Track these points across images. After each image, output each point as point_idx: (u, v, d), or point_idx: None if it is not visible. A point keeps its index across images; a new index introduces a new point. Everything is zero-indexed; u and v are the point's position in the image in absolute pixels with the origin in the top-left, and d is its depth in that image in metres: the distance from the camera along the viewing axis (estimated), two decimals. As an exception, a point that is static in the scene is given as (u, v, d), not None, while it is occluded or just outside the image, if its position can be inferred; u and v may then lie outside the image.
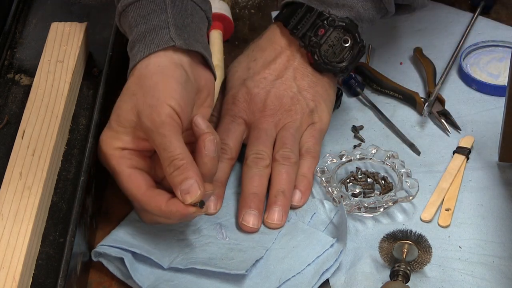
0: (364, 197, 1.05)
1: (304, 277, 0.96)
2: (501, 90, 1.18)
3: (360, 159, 1.09)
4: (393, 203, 1.03)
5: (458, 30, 1.30)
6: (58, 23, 1.17)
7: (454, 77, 1.23)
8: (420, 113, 1.17)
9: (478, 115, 1.17)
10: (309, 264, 0.97)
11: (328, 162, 1.07)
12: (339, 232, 1.01)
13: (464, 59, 1.24)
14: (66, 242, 0.92)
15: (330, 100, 1.12)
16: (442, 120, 1.15)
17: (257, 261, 0.97)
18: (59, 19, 1.18)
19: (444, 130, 1.15)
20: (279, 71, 1.10)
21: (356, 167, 1.08)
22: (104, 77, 1.12)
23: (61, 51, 1.12)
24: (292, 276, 0.96)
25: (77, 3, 1.25)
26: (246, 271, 0.95)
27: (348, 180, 1.07)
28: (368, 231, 1.02)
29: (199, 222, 1.02)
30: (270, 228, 1.02)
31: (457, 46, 1.26)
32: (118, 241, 0.98)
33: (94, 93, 1.11)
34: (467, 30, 1.29)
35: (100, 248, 0.98)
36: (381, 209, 1.03)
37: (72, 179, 1.00)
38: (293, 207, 1.04)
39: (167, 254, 0.98)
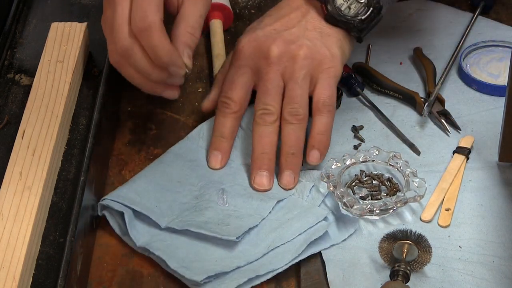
0: (372, 199, 1.05)
1: (292, 245, 0.99)
2: (501, 90, 1.18)
3: (363, 161, 1.09)
4: (404, 204, 1.03)
5: (458, 30, 1.30)
6: (58, 23, 1.17)
7: (454, 77, 1.23)
8: (420, 113, 1.17)
9: (478, 115, 1.17)
10: (300, 234, 1.00)
11: (333, 166, 1.07)
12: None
13: (464, 59, 1.24)
14: (66, 242, 0.92)
15: (343, 49, 1.08)
16: (442, 120, 1.15)
17: (250, 229, 1.00)
18: (59, 19, 1.18)
19: (444, 130, 1.15)
20: (291, 23, 1.08)
21: (360, 170, 1.08)
22: (104, 77, 1.12)
23: (61, 51, 1.12)
24: (282, 244, 0.99)
25: (77, 3, 1.25)
26: (237, 238, 0.98)
27: (354, 183, 1.07)
28: (368, 231, 1.02)
29: (203, 188, 1.05)
30: (284, 189, 1.05)
31: (457, 46, 1.26)
32: (121, 197, 1.02)
33: (94, 93, 1.11)
34: (467, 30, 1.29)
35: (104, 201, 1.01)
36: (391, 211, 1.03)
37: (72, 179, 1.00)
38: (311, 167, 1.06)
39: (166, 214, 1.01)
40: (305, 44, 1.06)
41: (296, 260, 0.98)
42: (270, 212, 1.03)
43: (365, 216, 1.03)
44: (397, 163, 1.08)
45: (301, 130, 1.05)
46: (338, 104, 1.18)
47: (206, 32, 1.30)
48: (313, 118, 1.06)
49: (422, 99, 1.17)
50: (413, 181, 1.05)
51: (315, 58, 1.06)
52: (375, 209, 1.02)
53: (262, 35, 1.07)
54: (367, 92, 1.21)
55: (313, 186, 1.06)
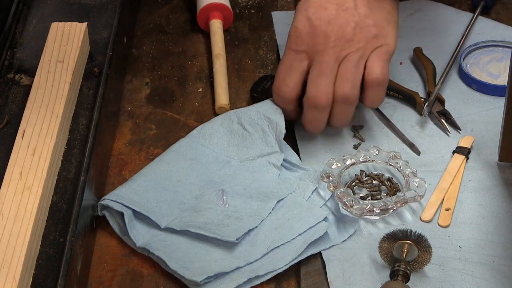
0: (372, 199, 1.05)
1: (292, 245, 0.99)
2: (501, 90, 1.18)
3: (363, 161, 1.09)
4: (404, 204, 1.03)
5: (458, 30, 1.29)
6: (58, 23, 1.17)
7: (454, 77, 1.23)
8: (420, 113, 1.17)
9: (478, 115, 1.17)
10: (300, 234, 1.00)
11: (333, 166, 1.07)
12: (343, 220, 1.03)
13: (464, 59, 1.24)
14: (66, 242, 0.92)
15: (394, 21, 1.10)
16: (442, 120, 1.15)
17: (250, 230, 1.00)
18: (59, 19, 1.18)
19: (444, 130, 1.15)
20: (340, 0, 1.08)
21: (360, 170, 1.08)
22: (104, 77, 1.12)
23: (61, 51, 1.12)
24: (281, 244, 0.99)
25: (77, 3, 1.25)
26: (237, 240, 0.99)
27: (354, 183, 1.07)
28: (368, 231, 1.02)
29: (203, 188, 1.06)
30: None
31: (457, 46, 1.26)
32: (120, 197, 1.02)
33: (94, 93, 1.11)
34: (467, 30, 1.29)
35: (104, 201, 1.02)
36: (391, 211, 1.03)
37: (72, 179, 1.00)
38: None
39: (166, 214, 1.02)
40: (359, 26, 1.07)
41: (296, 261, 0.98)
42: (270, 213, 1.03)
43: (365, 216, 1.03)
44: (397, 163, 1.08)
45: (351, 111, 1.09)
46: None
47: (206, 32, 1.31)
48: (364, 92, 1.09)
49: (422, 99, 1.17)
50: (413, 181, 1.05)
51: (368, 39, 1.07)
52: (375, 209, 1.02)
53: (315, 18, 1.08)
54: (367, 92, 1.21)
55: (315, 189, 1.06)
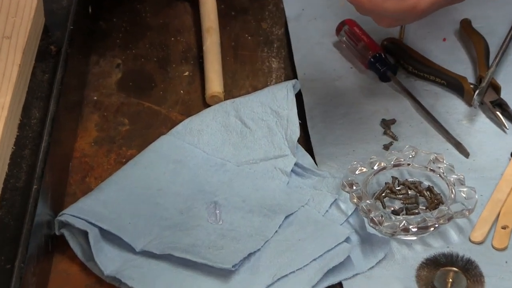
0: (407, 214, 1.05)
1: (305, 273, 0.99)
2: None
3: (396, 165, 1.09)
4: (448, 220, 1.03)
5: (517, -3, 1.30)
6: (4, -12, 1.17)
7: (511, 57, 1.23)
8: (469, 103, 1.17)
9: (543, 106, 1.17)
10: (314, 260, 0.99)
11: (357, 172, 1.07)
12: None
13: (525, 34, 1.24)
14: (14, 269, 0.92)
15: None
16: (497, 113, 1.15)
17: (250, 254, 1.00)
18: (6, -17, 1.18)
19: (500, 125, 1.15)
20: None
21: (392, 177, 1.08)
22: (63, 57, 1.12)
23: (9, 24, 1.12)
24: (291, 272, 0.99)
25: (28, -37, 1.25)
26: (234, 266, 0.98)
27: (383, 194, 1.07)
28: (402, 255, 1.02)
29: (190, 200, 1.06)
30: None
31: (516, 18, 1.26)
32: (84, 211, 1.02)
33: (51, 78, 1.11)
34: (529, -3, 1.29)
35: (63, 217, 1.01)
36: (431, 229, 1.03)
37: (22, 188, 1.00)
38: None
39: (142, 234, 1.02)
40: None
41: None
42: (276, 231, 1.03)
43: (398, 236, 1.03)
44: (439, 167, 1.08)
45: None
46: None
47: (194, 0, 1.30)
48: None
49: (471, 86, 1.17)
50: (460, 190, 1.05)
51: None
52: (411, 226, 1.02)
53: None
54: (400, 77, 1.21)
55: (335, 201, 1.06)
